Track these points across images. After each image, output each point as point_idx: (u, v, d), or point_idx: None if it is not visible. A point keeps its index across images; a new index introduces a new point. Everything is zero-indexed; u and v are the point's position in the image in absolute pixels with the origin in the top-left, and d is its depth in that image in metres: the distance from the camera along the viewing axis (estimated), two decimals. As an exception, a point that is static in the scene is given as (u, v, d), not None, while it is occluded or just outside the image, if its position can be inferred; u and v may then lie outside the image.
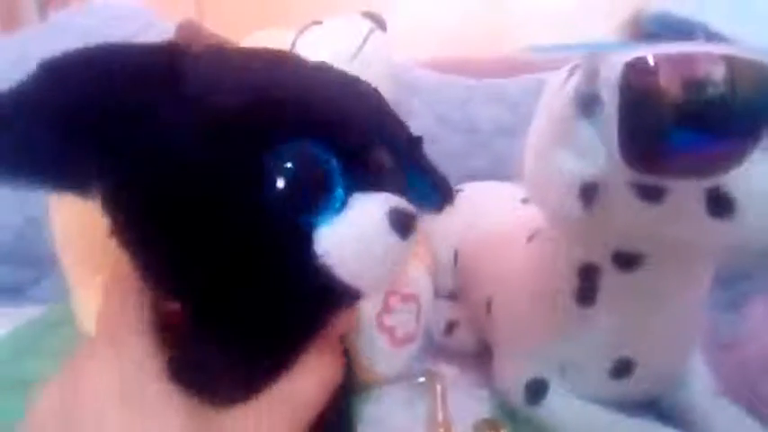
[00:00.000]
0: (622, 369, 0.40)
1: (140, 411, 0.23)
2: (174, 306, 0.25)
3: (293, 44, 0.52)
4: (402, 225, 0.23)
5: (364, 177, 0.24)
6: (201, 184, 0.21)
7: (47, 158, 0.22)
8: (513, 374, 0.45)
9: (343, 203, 0.23)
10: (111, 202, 0.23)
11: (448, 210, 0.58)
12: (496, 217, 0.57)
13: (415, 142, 0.32)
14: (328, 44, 0.51)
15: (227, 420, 0.24)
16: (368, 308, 0.44)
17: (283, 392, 0.25)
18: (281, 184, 0.22)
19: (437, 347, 0.54)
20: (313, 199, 0.22)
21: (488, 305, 0.50)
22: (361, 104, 0.26)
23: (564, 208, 0.34)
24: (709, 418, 0.41)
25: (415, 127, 0.77)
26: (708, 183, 0.29)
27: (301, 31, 0.54)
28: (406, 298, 0.45)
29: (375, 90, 0.28)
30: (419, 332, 0.47)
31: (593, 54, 0.30)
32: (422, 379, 0.47)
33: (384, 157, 0.25)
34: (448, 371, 0.50)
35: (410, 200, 0.26)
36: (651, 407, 0.44)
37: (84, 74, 0.22)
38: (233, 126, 0.22)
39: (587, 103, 0.31)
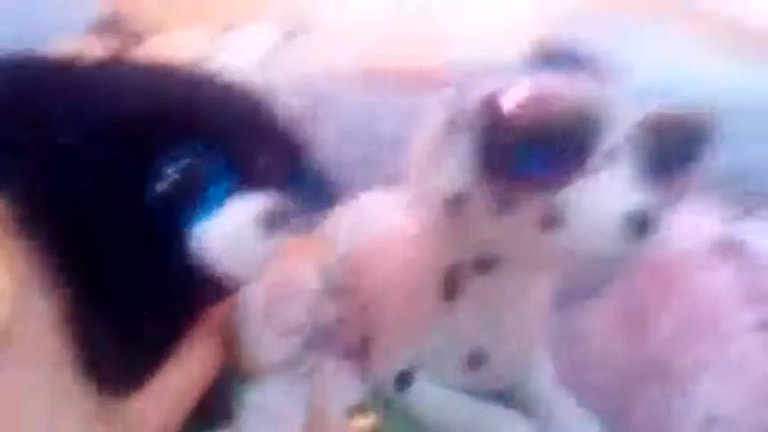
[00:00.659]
0: (477, 359, 0.46)
1: (58, 404, 0.24)
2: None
3: (206, 46, 0.55)
4: (271, 224, 0.27)
5: (246, 180, 0.27)
6: (93, 184, 0.24)
7: None
8: (385, 366, 0.50)
9: (220, 205, 0.26)
10: (16, 200, 0.24)
11: (336, 213, 0.63)
12: (380, 224, 0.62)
13: (302, 150, 0.35)
14: (239, 49, 0.54)
15: (129, 405, 0.27)
16: (255, 299, 0.47)
17: (171, 378, 0.28)
18: (162, 186, 0.24)
19: (322, 340, 0.58)
20: (190, 201, 0.25)
21: (367, 306, 0.55)
22: (248, 114, 0.29)
23: (433, 216, 0.40)
24: (547, 405, 0.48)
25: (319, 136, 0.81)
26: (543, 199, 0.36)
27: (215, 35, 0.56)
28: (294, 292, 0.49)
29: (264, 101, 0.32)
30: (304, 325, 0.51)
31: (461, 87, 0.36)
32: (304, 368, 0.50)
33: (267, 160, 0.29)
34: (330, 362, 0.53)
35: (295, 202, 0.30)
36: (502, 397, 0.50)
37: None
38: (124, 133, 0.24)
39: (454, 127, 0.36)
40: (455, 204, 0.38)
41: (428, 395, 0.48)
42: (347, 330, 0.59)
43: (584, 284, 0.49)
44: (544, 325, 0.49)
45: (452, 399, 0.48)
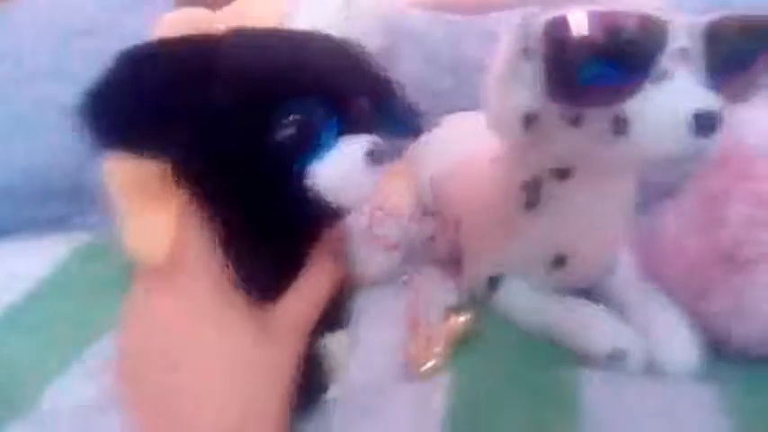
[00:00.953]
0: (561, 261, 0.51)
1: (226, 326, 0.31)
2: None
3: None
4: (376, 159, 0.32)
5: (350, 123, 0.32)
6: (234, 135, 0.30)
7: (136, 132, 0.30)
8: (476, 274, 0.56)
9: (332, 146, 0.32)
10: (178, 154, 0.31)
11: (424, 139, 0.67)
12: (465, 145, 0.66)
13: (390, 85, 0.40)
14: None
15: (275, 313, 0.33)
16: (360, 222, 0.54)
17: (305, 286, 0.34)
18: (284, 132, 0.30)
19: (419, 256, 0.64)
20: (307, 143, 0.31)
21: (457, 224, 0.60)
22: (346, 63, 0.35)
23: (511, 132, 0.44)
24: (629, 299, 0.52)
25: (404, 68, 0.84)
26: (612, 110, 0.39)
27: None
28: (391, 212, 0.55)
29: (357, 45, 0.37)
30: (403, 241, 0.57)
31: (526, 14, 0.39)
32: (405, 278, 0.57)
33: (364, 105, 0.35)
34: (430, 271, 0.60)
35: (386, 132, 0.35)
36: (587, 294, 0.54)
37: (153, 68, 0.30)
38: (253, 92, 0.30)
39: (524, 52, 0.40)
40: (529, 122, 0.42)
41: (516, 296, 0.53)
42: (441, 243, 0.65)
43: (660, 185, 0.52)
44: (627, 225, 0.52)
45: (539, 298, 0.53)
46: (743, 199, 0.44)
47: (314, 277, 0.35)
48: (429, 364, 0.47)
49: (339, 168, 0.32)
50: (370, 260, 0.54)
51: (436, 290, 0.56)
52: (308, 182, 0.31)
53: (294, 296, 0.34)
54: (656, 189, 0.54)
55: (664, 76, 0.37)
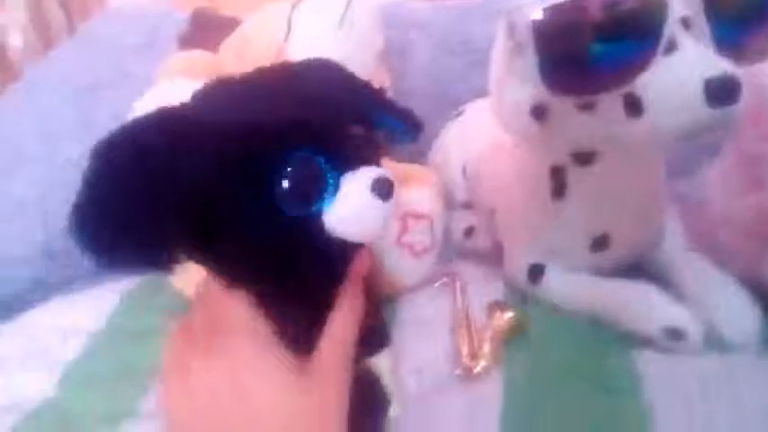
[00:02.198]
0: (601, 243, 0.49)
1: (275, 382, 0.32)
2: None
3: (289, 18, 0.60)
4: (383, 191, 0.32)
5: (346, 159, 0.32)
6: (232, 203, 0.30)
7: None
8: (516, 263, 0.55)
9: (336, 187, 0.32)
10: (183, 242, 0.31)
11: (448, 130, 0.66)
12: (491, 131, 0.64)
13: (380, 93, 0.39)
14: (318, 13, 0.58)
15: (315, 359, 0.34)
16: (389, 232, 0.54)
17: (336, 324, 0.35)
18: (285, 189, 0.30)
19: (459, 251, 0.64)
20: (310, 193, 0.31)
21: (493, 211, 0.59)
22: (329, 100, 0.34)
23: (521, 127, 0.43)
24: (681, 271, 0.50)
25: (415, 58, 0.84)
26: (623, 90, 0.37)
27: (295, 5, 0.61)
28: (419, 217, 0.55)
29: (339, 68, 0.36)
30: (435, 243, 0.57)
31: (511, 8, 0.37)
32: (444, 279, 0.57)
33: (357, 132, 0.34)
34: (468, 268, 0.59)
35: (385, 139, 0.34)
36: (635, 270, 0.52)
37: (129, 160, 0.29)
38: (242, 154, 0.30)
39: (516, 48, 0.38)
40: (540, 114, 0.40)
41: (561, 283, 0.52)
42: (480, 236, 0.64)
43: (694, 152, 0.49)
44: (664, 196, 0.50)
45: (585, 282, 0.51)
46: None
47: (341, 312, 0.36)
48: (480, 366, 0.47)
49: (349, 209, 0.32)
50: (404, 269, 0.54)
51: (478, 287, 0.55)
52: (324, 229, 0.32)
53: (328, 337, 0.35)
54: (697, 150, 0.52)
55: (671, 47, 0.35)
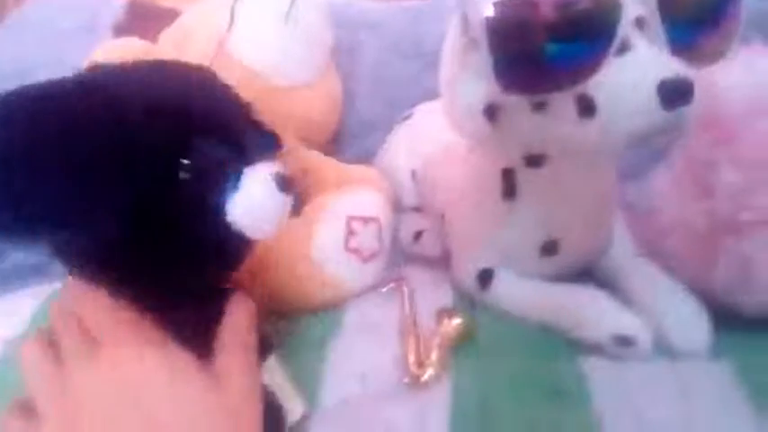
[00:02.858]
0: (550, 249, 0.48)
1: (178, 381, 0.30)
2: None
3: (232, 10, 0.57)
4: (284, 185, 0.32)
5: (248, 153, 0.32)
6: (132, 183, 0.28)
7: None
8: (465, 268, 0.53)
9: (238, 179, 0.31)
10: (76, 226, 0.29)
11: (398, 133, 0.65)
12: (441, 134, 0.63)
13: (250, 108, 0.37)
14: (262, 7, 0.56)
15: (217, 361, 0.32)
16: (335, 235, 0.52)
17: (233, 323, 0.34)
18: (189, 176, 0.29)
19: (407, 256, 0.62)
20: (218, 181, 0.30)
21: (443, 215, 0.58)
22: (228, 99, 0.33)
23: (473, 128, 0.41)
24: (629, 277, 0.50)
25: (364, 59, 0.82)
26: (576, 90, 0.36)
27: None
28: (366, 221, 0.53)
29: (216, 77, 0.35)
30: (383, 248, 0.55)
31: (463, 3, 0.36)
32: (391, 285, 0.55)
33: (251, 136, 0.33)
34: (416, 273, 0.58)
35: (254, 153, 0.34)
36: (585, 276, 0.52)
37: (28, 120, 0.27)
38: (148, 139, 0.29)
39: (469, 44, 0.37)
40: (492, 114, 0.39)
41: (510, 288, 0.51)
42: (429, 240, 0.63)
43: (644, 157, 0.49)
44: (614, 202, 0.49)
45: (534, 287, 0.50)
46: (731, 164, 0.41)
47: (237, 315, 0.34)
48: (428, 373, 0.45)
49: (252, 201, 0.31)
50: (351, 274, 0.52)
51: (426, 292, 0.54)
52: (226, 218, 0.31)
53: (229, 340, 0.33)
54: (644, 155, 0.52)
55: (625, 48, 0.34)
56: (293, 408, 0.40)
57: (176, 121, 0.29)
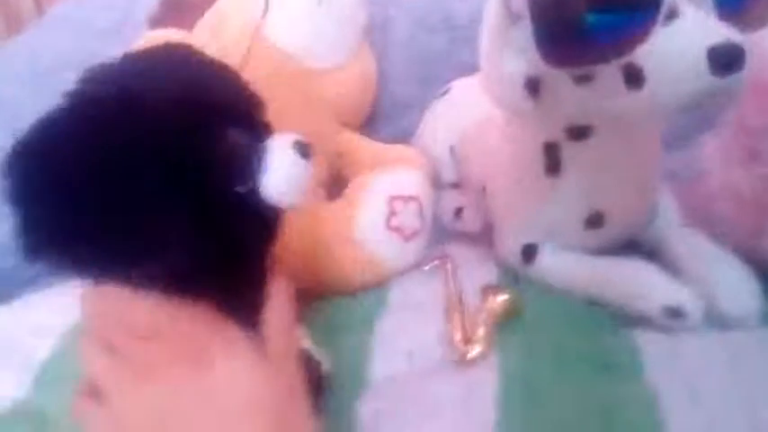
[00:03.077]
0: (595, 221, 0.48)
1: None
2: None
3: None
4: (304, 151, 0.33)
5: (261, 130, 0.33)
6: (169, 187, 0.29)
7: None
8: (509, 244, 0.53)
9: (262, 157, 0.32)
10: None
11: (434, 109, 0.64)
12: (480, 109, 0.62)
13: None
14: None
15: (268, 346, 0.33)
16: (376, 215, 0.52)
17: (277, 310, 0.34)
18: (220, 160, 0.30)
19: (449, 233, 0.62)
20: (252, 166, 0.31)
21: (484, 189, 0.57)
22: (229, 76, 0.34)
23: (515, 102, 0.41)
24: (676, 247, 0.49)
25: (395, 34, 0.81)
26: (623, 61, 0.35)
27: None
28: (407, 200, 0.53)
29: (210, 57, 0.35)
30: (425, 226, 0.55)
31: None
32: (436, 262, 0.55)
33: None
34: (459, 250, 0.58)
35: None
36: (629, 248, 0.51)
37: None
38: (175, 131, 0.29)
39: (510, 16, 0.36)
40: (534, 88, 0.39)
41: (555, 262, 0.51)
42: (470, 216, 0.62)
43: (689, 125, 0.48)
44: (658, 171, 0.49)
45: (580, 261, 0.50)
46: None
47: (278, 297, 0.35)
48: (475, 351, 0.46)
49: (281, 172, 0.32)
50: (394, 253, 0.53)
51: (470, 269, 0.54)
52: (260, 195, 0.32)
53: (273, 324, 0.34)
54: (694, 120, 0.50)
55: (672, 15, 0.33)
56: (324, 361, 0.42)
57: (196, 117, 0.30)
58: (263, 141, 0.32)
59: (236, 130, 0.31)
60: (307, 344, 0.42)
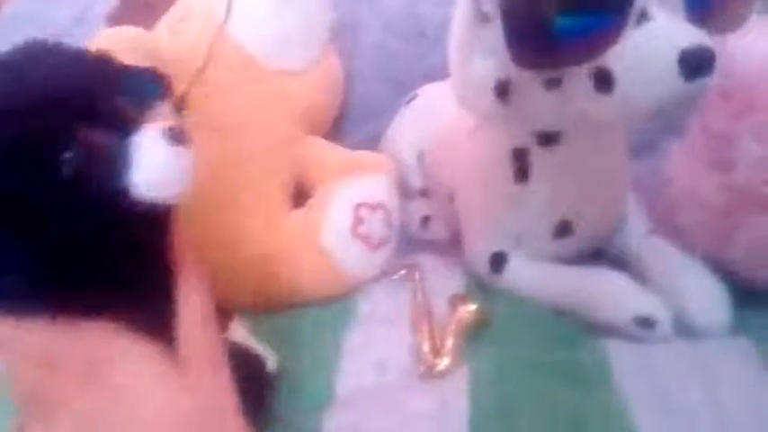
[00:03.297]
0: (564, 230, 0.47)
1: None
2: None
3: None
4: (177, 138, 0.30)
5: (129, 123, 0.30)
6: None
7: None
8: (478, 252, 0.52)
9: (128, 152, 0.29)
10: None
11: (402, 116, 0.63)
12: (448, 114, 0.61)
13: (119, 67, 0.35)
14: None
15: (185, 350, 0.31)
16: (343, 223, 0.51)
17: (189, 311, 0.32)
18: (78, 163, 0.28)
19: (415, 242, 0.61)
20: (115, 164, 0.29)
21: (451, 196, 0.56)
22: (93, 68, 0.32)
23: (484, 105, 0.40)
24: (644, 256, 0.48)
25: (365, 38, 0.80)
26: (592, 64, 0.34)
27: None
28: (374, 207, 0.52)
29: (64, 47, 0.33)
30: (392, 234, 0.54)
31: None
32: (397, 275, 0.54)
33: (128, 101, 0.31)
34: (426, 259, 0.56)
35: (134, 101, 0.32)
36: (598, 256, 0.51)
37: None
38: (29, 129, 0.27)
39: (480, 17, 0.35)
40: (503, 91, 0.38)
41: (524, 271, 0.50)
42: (438, 224, 0.61)
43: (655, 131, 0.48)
44: (627, 179, 0.48)
45: (549, 270, 0.49)
46: (752, 136, 0.39)
47: (187, 290, 0.33)
48: (444, 363, 0.44)
49: (150, 166, 0.29)
50: (361, 262, 0.51)
51: (438, 279, 0.53)
52: (131, 194, 0.29)
53: (187, 321, 0.32)
54: (659, 127, 0.50)
55: (644, 18, 0.33)
56: (268, 356, 0.40)
57: (50, 122, 0.28)
58: (128, 136, 0.29)
59: (91, 131, 0.28)
60: (243, 338, 0.40)
